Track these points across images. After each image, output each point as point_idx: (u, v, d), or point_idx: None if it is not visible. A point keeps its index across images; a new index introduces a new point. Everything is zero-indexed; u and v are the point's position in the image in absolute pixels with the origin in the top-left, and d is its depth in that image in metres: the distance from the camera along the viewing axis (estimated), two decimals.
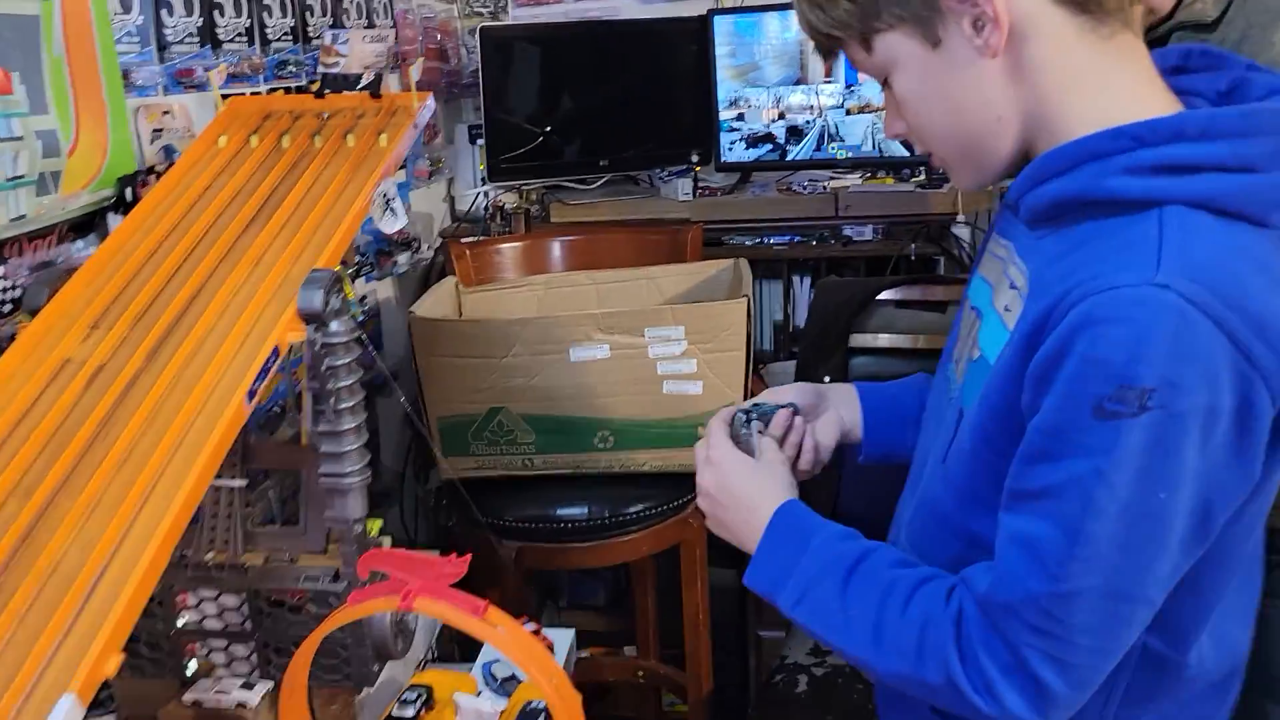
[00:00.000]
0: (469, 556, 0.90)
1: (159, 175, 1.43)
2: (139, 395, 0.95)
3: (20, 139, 1.17)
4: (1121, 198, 0.72)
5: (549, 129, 2.51)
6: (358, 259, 2.03)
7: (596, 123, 2.56)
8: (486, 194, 2.52)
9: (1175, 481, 0.69)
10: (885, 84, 0.86)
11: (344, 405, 1.05)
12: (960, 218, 2.27)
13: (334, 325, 1.03)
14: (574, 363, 1.73)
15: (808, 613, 0.84)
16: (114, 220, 1.35)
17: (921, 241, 2.25)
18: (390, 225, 1.20)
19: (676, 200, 2.41)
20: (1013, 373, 0.74)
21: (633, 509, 1.78)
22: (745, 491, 0.93)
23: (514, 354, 1.73)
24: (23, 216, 1.19)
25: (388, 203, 1.20)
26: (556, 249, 2.13)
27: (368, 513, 1.10)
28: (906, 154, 2.36)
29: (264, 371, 0.96)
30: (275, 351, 0.98)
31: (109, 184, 1.33)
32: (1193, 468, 0.69)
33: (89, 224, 1.32)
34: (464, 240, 2.14)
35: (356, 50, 1.28)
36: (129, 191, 1.33)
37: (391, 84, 2.09)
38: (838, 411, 1.09)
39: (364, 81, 1.34)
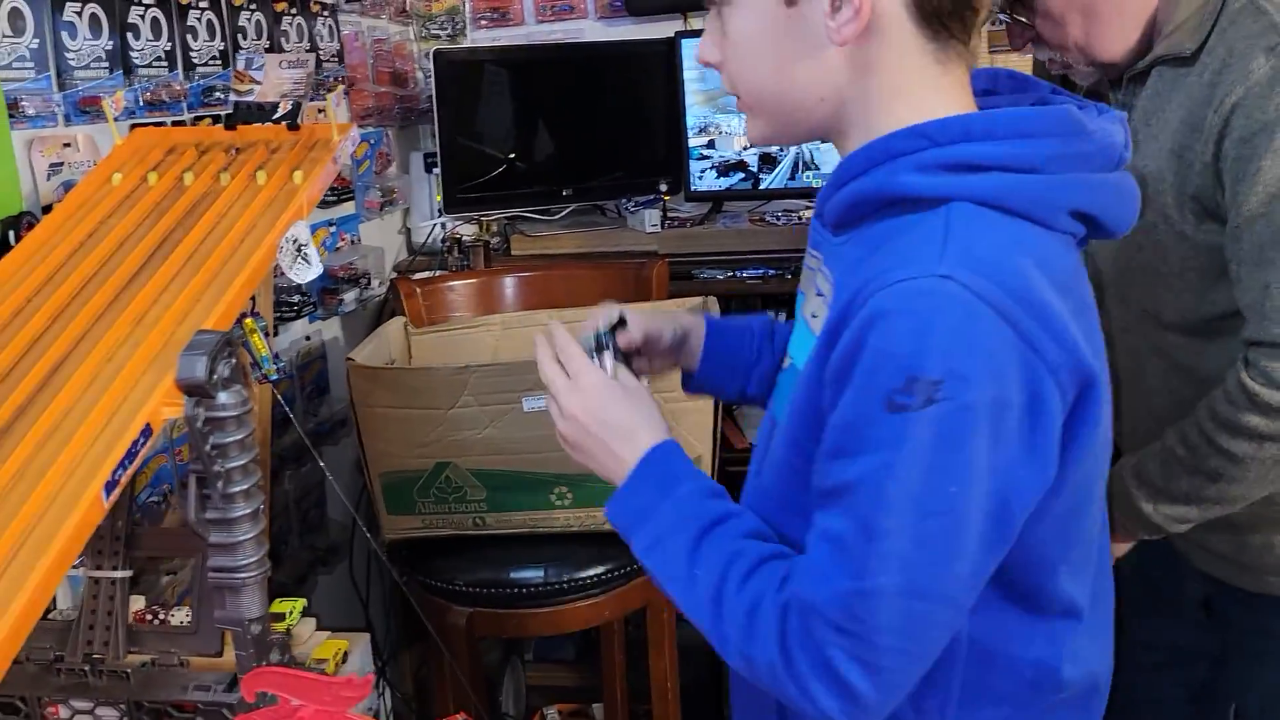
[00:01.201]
0: (370, 679, 0.76)
1: None
2: None
3: None
4: (912, 195, 0.73)
5: (510, 156, 2.37)
6: (298, 297, 1.89)
7: (560, 150, 2.43)
8: (443, 225, 2.37)
9: (966, 476, 0.69)
10: (714, 3, 0.82)
11: (235, 488, 0.91)
12: None
13: (222, 397, 0.88)
14: (528, 413, 1.59)
15: (657, 562, 0.82)
16: None
17: None
18: (303, 274, 1.06)
19: (644, 231, 2.28)
20: (817, 375, 0.75)
21: (593, 571, 1.64)
22: (620, 420, 0.88)
23: (462, 404, 1.59)
24: None
25: (299, 249, 1.05)
26: (513, 286, 1.99)
27: (270, 606, 0.95)
28: None
29: (129, 455, 0.82)
30: (146, 430, 0.84)
31: None
32: (984, 462, 0.69)
33: None
34: (414, 277, 1.99)
35: (272, 76, 1.14)
36: (13, 235, 1.18)
37: (344, 114, 1.96)
38: (687, 338, 1.06)
39: (280, 111, 1.20)
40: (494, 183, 2.32)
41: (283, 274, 1.06)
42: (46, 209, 1.29)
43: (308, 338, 2.00)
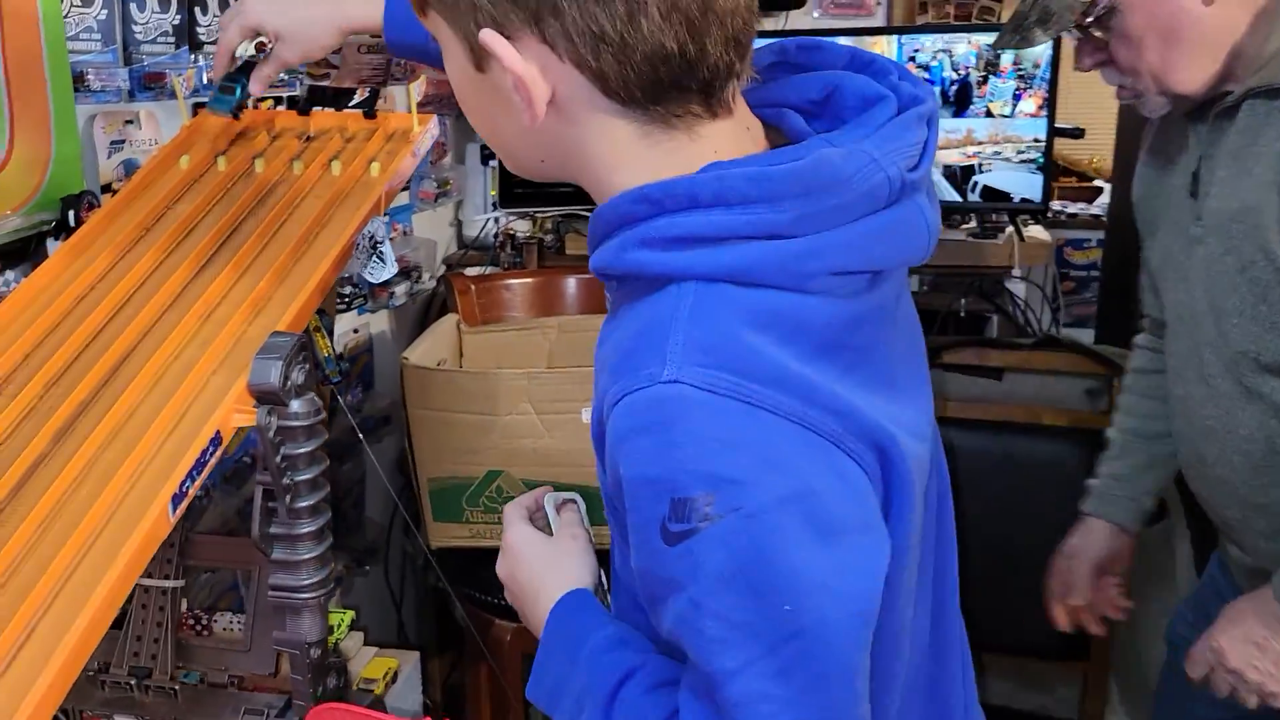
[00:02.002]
0: None
1: (114, 195, 1.23)
2: (34, 492, 0.74)
3: None
4: (642, 273, 0.63)
5: None
6: (349, 289, 1.83)
7: None
8: (497, 220, 2.31)
9: (796, 586, 0.58)
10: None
11: (302, 503, 0.84)
12: (1016, 271, 2.07)
13: (294, 405, 0.82)
14: (586, 423, 1.52)
15: None
16: (52, 247, 1.14)
17: (973, 297, 2.04)
18: (377, 274, 0.99)
19: None
20: (604, 483, 0.67)
21: None
22: (530, 579, 0.81)
23: (519, 411, 1.52)
24: None
25: (375, 247, 0.99)
26: (572, 287, 1.93)
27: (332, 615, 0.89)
28: (957, 199, 2.16)
29: (198, 466, 0.75)
30: (216, 438, 0.78)
31: (50, 205, 1.13)
32: (817, 564, 0.59)
33: (22, 250, 1.11)
34: (469, 273, 1.93)
35: (350, 60, 1.08)
36: (73, 215, 1.12)
37: (398, 100, 1.90)
38: None
39: (357, 98, 1.14)
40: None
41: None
42: (105, 188, 1.23)
43: (355, 330, 1.94)
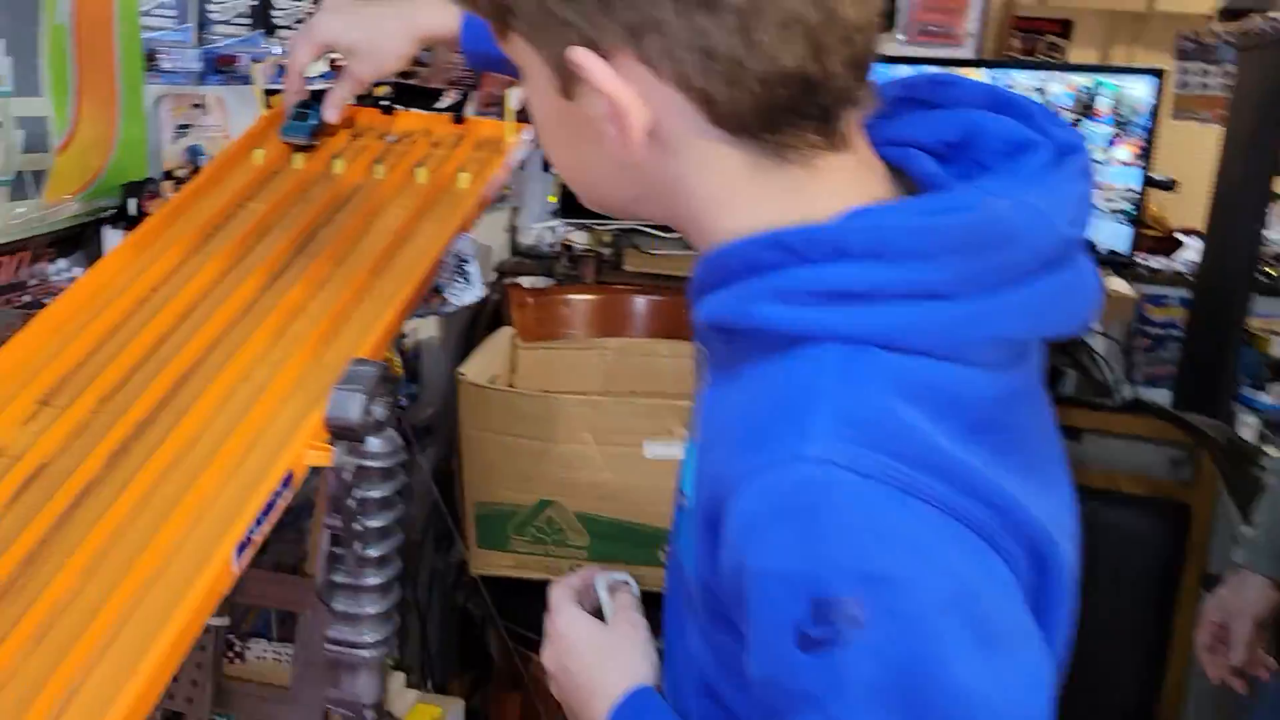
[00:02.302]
0: None
1: (178, 183, 1.15)
2: (84, 524, 0.65)
3: None
4: (773, 331, 0.55)
5: None
6: None
7: None
8: (554, 229, 2.23)
9: (960, 704, 0.50)
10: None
11: (371, 552, 0.76)
12: (1096, 326, 1.96)
13: (373, 443, 0.73)
14: (648, 459, 1.43)
15: None
16: (110, 237, 1.06)
17: (1050, 350, 1.93)
18: (461, 297, 0.91)
19: None
20: (707, 565, 0.57)
21: None
22: (585, 671, 0.73)
23: (579, 440, 1.44)
24: None
25: (461, 266, 0.90)
26: (634, 308, 1.84)
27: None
28: None
29: (267, 509, 0.67)
30: (288, 479, 0.69)
31: (111, 190, 1.05)
32: (981, 677, 0.50)
33: (78, 238, 1.03)
34: (527, 285, 1.85)
35: (440, 57, 1.00)
36: (134, 203, 1.04)
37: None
38: None
39: (447, 100, 1.05)
40: None
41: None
42: (168, 174, 1.15)
43: (404, 335, 1.85)
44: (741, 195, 0.57)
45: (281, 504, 0.68)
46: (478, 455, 1.48)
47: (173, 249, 0.87)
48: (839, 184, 0.57)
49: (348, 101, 0.97)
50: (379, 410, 0.74)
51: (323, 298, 0.84)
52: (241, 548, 0.64)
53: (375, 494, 0.74)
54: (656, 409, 1.42)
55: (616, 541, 1.47)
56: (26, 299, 0.97)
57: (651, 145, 0.55)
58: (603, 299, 1.84)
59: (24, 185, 0.94)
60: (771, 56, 0.51)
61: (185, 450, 0.70)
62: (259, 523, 0.66)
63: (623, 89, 0.53)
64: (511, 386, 1.74)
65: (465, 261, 0.91)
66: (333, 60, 0.94)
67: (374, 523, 0.75)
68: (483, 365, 1.59)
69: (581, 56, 0.53)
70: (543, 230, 2.24)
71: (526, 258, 2.25)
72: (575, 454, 1.44)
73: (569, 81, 0.56)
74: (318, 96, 0.98)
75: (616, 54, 0.53)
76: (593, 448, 1.44)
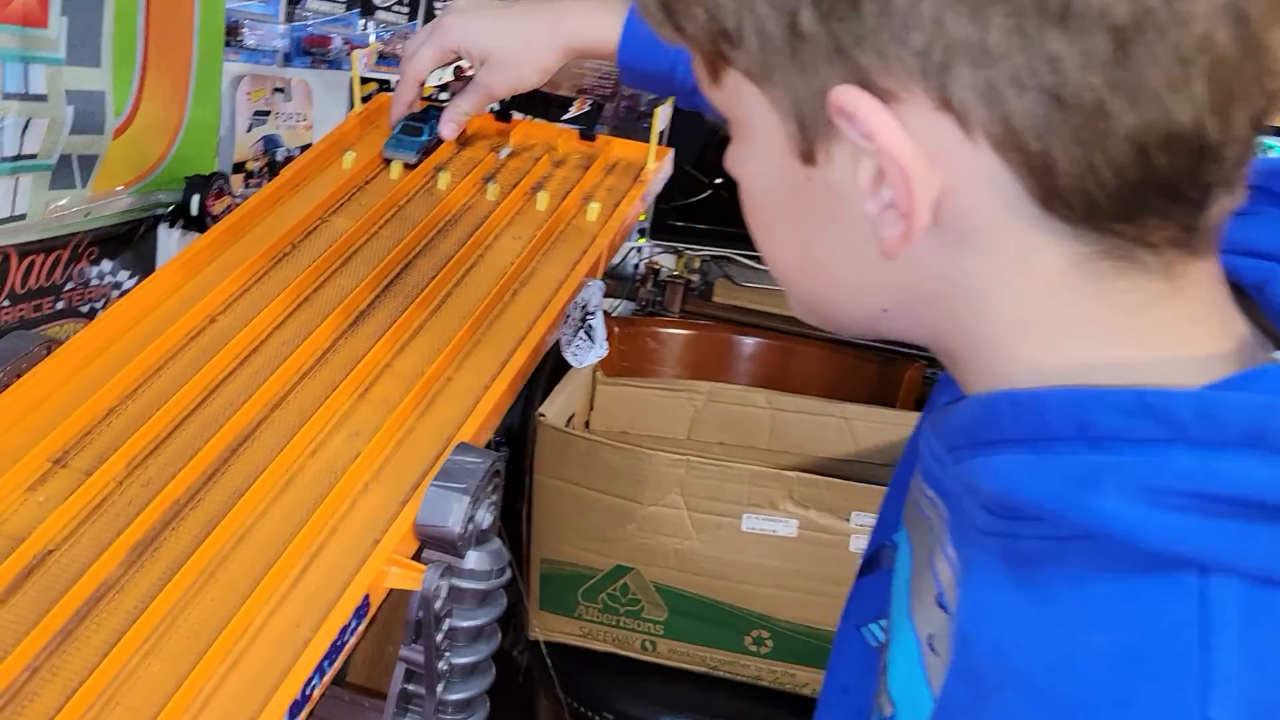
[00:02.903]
0: None
1: (250, 178, 0.99)
2: (87, 648, 0.49)
3: (41, 98, 0.73)
4: (1128, 541, 0.35)
5: (716, 181, 2.05)
6: None
7: None
8: (640, 250, 2.05)
9: None
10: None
11: (454, 695, 0.58)
12: None
13: (472, 558, 0.56)
14: (745, 532, 1.25)
15: None
16: (166, 238, 0.90)
17: None
18: (582, 356, 0.74)
19: None
20: None
21: None
22: None
23: (668, 503, 1.26)
24: (20, 217, 0.75)
25: (586, 320, 0.73)
26: (730, 349, 1.66)
27: None
28: None
29: (333, 652, 0.50)
30: (362, 606, 0.52)
31: (173, 183, 0.89)
32: None
33: (128, 236, 0.87)
34: (613, 315, 1.68)
35: (571, 63, 0.83)
36: (196, 201, 0.88)
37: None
38: None
39: (574, 110, 0.88)
40: (700, 209, 1.99)
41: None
42: (238, 166, 1.00)
43: None
44: (1062, 312, 0.38)
45: (353, 641, 0.51)
46: (549, 505, 1.31)
47: (240, 269, 0.70)
48: (1202, 309, 0.39)
49: (472, 116, 0.81)
50: (484, 517, 0.56)
51: (416, 351, 0.67)
52: (295, 710, 0.47)
53: (469, 624, 0.57)
54: (760, 477, 1.24)
55: (700, 621, 1.30)
56: (60, 305, 0.82)
57: (933, 233, 0.38)
58: (696, 335, 1.66)
59: (69, 171, 0.78)
60: (1159, 103, 0.33)
61: (229, 551, 0.54)
62: (321, 672, 0.49)
63: (911, 148, 0.36)
64: (589, 425, 1.57)
65: (591, 314, 0.74)
66: (457, 67, 0.79)
67: (464, 659, 0.58)
68: (564, 407, 1.41)
69: (852, 99, 0.36)
70: (629, 250, 2.07)
71: (609, 278, 2.08)
72: (661, 517, 1.27)
73: (815, 138, 0.38)
74: (433, 110, 0.82)
75: (901, 96, 0.35)
76: (682, 513, 1.26)
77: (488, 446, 0.61)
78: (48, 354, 0.62)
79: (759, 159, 0.42)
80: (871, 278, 0.41)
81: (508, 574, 0.58)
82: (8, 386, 0.60)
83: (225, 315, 0.68)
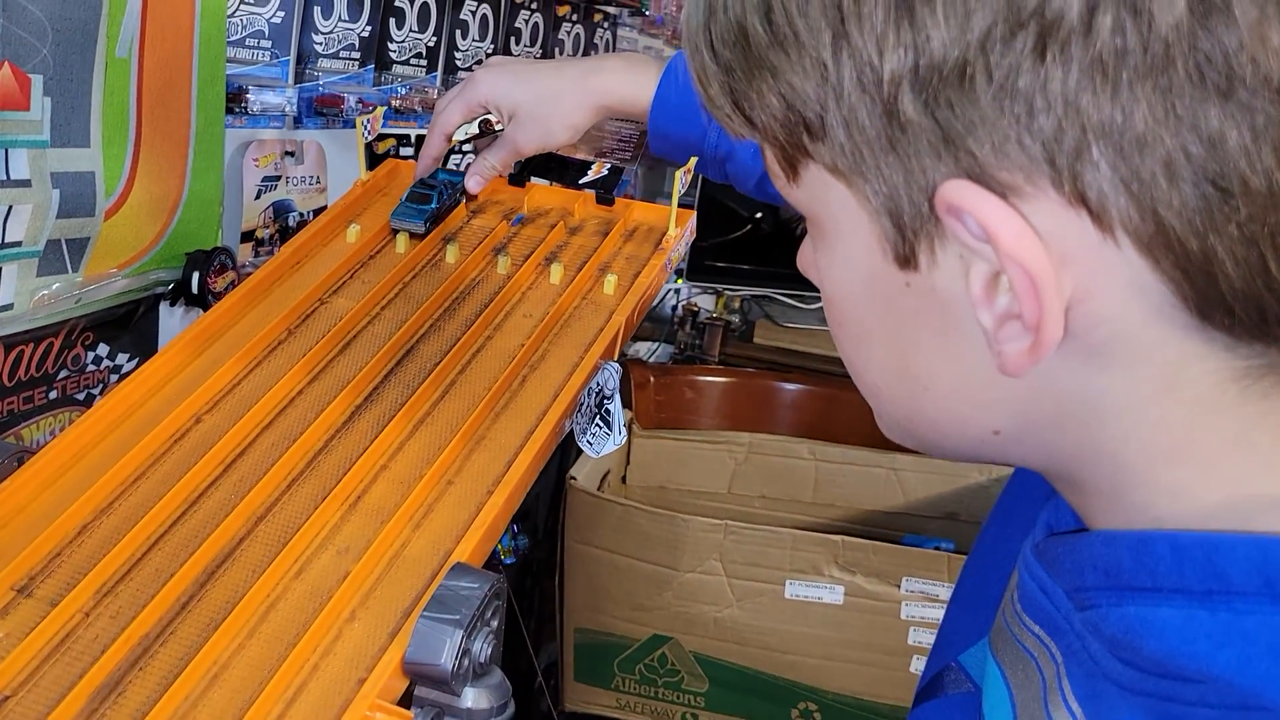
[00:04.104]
0: None
1: (260, 246, 0.95)
2: None
3: (24, 184, 0.69)
4: None
5: (756, 216, 1.99)
6: None
7: None
8: (678, 292, 2.00)
9: None
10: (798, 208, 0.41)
11: None
12: None
13: (469, 697, 0.50)
14: (788, 600, 1.19)
15: None
16: (167, 317, 0.86)
17: None
18: (599, 444, 0.68)
19: None
20: None
21: None
22: None
23: (705, 570, 1.20)
24: (7, 308, 0.72)
25: (603, 405, 0.68)
26: (772, 397, 1.60)
27: None
28: None
29: None
30: None
31: (173, 260, 0.85)
32: None
33: (125, 319, 0.83)
34: (648, 360, 1.62)
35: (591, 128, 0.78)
36: (197, 278, 0.84)
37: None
38: None
39: (592, 174, 0.83)
40: (741, 249, 1.93)
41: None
42: (247, 235, 0.96)
43: None
44: (1216, 436, 0.33)
45: None
46: (583, 573, 1.25)
47: (226, 364, 0.65)
48: None
49: (497, 174, 0.78)
50: (482, 649, 0.51)
51: (414, 451, 0.61)
52: None
53: None
54: (803, 541, 1.17)
55: (742, 692, 1.23)
56: (53, 395, 0.78)
57: (1061, 346, 0.32)
58: (735, 383, 1.60)
59: (58, 256, 0.74)
60: None
61: (198, 696, 0.48)
62: None
63: (1040, 251, 0.30)
64: (625, 480, 1.52)
65: (607, 399, 0.68)
66: (484, 121, 0.77)
67: None
68: (598, 460, 1.36)
69: (965, 196, 0.30)
70: (667, 292, 2.01)
71: (646, 320, 2.02)
72: (700, 584, 1.20)
73: (916, 240, 0.33)
74: (441, 175, 0.79)
75: (1024, 190, 0.30)
76: (722, 579, 1.20)
77: (511, 525, 0.56)
78: (19, 465, 0.58)
79: (846, 263, 0.37)
80: (984, 396, 0.36)
81: (510, 709, 0.52)
82: None
83: (212, 414, 0.63)
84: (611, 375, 0.69)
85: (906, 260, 0.34)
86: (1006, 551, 0.51)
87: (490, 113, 0.78)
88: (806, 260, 0.43)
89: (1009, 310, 0.32)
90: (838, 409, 1.57)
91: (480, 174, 0.80)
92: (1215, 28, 0.27)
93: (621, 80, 0.76)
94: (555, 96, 0.76)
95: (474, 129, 0.79)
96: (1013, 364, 0.32)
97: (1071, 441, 0.36)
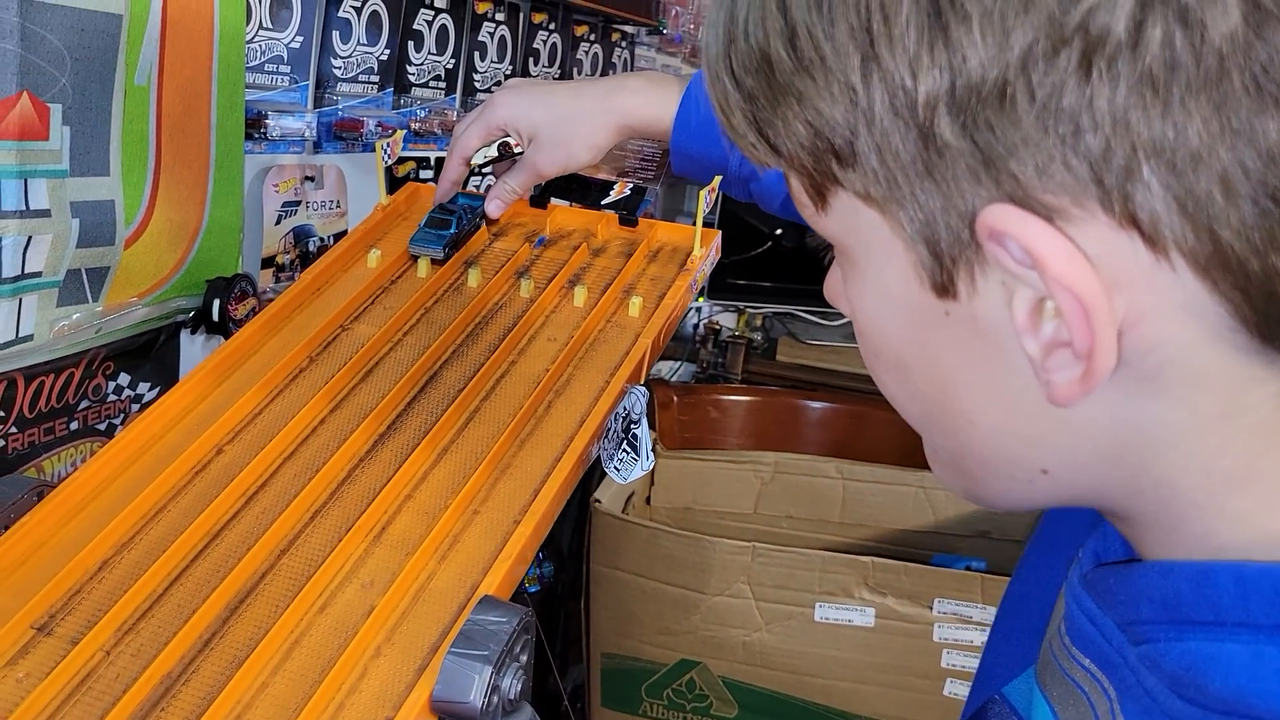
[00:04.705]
0: None
1: (281, 271, 0.94)
2: None
3: (43, 214, 0.68)
4: None
5: (777, 233, 1.97)
6: None
7: None
8: (699, 310, 1.99)
9: None
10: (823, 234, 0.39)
11: None
12: None
13: None
14: (819, 622, 1.17)
15: None
16: (188, 345, 0.86)
17: None
18: (626, 472, 0.67)
19: None
20: None
21: None
22: None
23: (733, 593, 1.18)
24: (27, 339, 0.71)
25: (629, 430, 0.66)
26: (797, 415, 1.58)
27: None
28: None
29: None
30: None
31: (193, 287, 0.84)
32: None
33: (145, 348, 0.83)
34: (670, 379, 1.61)
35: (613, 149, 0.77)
36: (217, 306, 0.83)
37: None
38: None
39: (614, 195, 0.82)
40: (762, 266, 1.92)
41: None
42: (267, 262, 0.95)
43: None
44: (1275, 457, 0.31)
45: None
46: (609, 597, 1.24)
47: (247, 394, 0.64)
48: None
49: (518, 198, 0.77)
50: (511, 685, 0.49)
51: (439, 480, 0.60)
52: None
53: None
54: (832, 563, 1.15)
55: (772, 717, 1.21)
56: (75, 426, 0.77)
57: (1119, 376, 0.31)
58: (760, 401, 1.58)
59: (79, 286, 0.74)
60: None
61: None
62: None
63: (1090, 276, 0.29)
64: (650, 502, 1.50)
65: (634, 423, 0.67)
66: (504, 144, 0.76)
67: None
68: (621, 486, 1.35)
69: (1009, 220, 0.29)
70: (689, 310, 2.00)
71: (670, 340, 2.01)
72: (727, 608, 1.19)
73: (955, 267, 0.31)
74: (461, 199, 0.78)
75: (1070, 213, 0.29)
76: (750, 602, 1.18)
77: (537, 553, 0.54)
78: (38, 500, 0.57)
79: (880, 293, 0.35)
80: (1031, 430, 0.34)
81: None
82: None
83: (233, 445, 0.62)
84: (638, 400, 0.68)
85: (945, 289, 0.32)
86: (1049, 579, 0.49)
87: (509, 135, 0.78)
88: (835, 290, 0.42)
89: (1056, 338, 0.30)
90: (864, 427, 1.55)
91: (500, 198, 0.79)
92: (1272, 36, 0.26)
93: (643, 100, 0.75)
94: (576, 118, 0.75)
95: (493, 152, 0.78)
96: (1063, 394, 0.31)
97: (1125, 473, 0.34)
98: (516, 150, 0.77)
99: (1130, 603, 0.36)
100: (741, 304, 1.96)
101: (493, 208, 0.80)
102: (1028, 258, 0.29)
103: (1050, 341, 0.31)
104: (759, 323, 1.99)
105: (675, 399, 1.55)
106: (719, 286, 1.90)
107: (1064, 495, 0.36)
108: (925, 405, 0.37)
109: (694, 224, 0.78)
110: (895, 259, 0.33)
